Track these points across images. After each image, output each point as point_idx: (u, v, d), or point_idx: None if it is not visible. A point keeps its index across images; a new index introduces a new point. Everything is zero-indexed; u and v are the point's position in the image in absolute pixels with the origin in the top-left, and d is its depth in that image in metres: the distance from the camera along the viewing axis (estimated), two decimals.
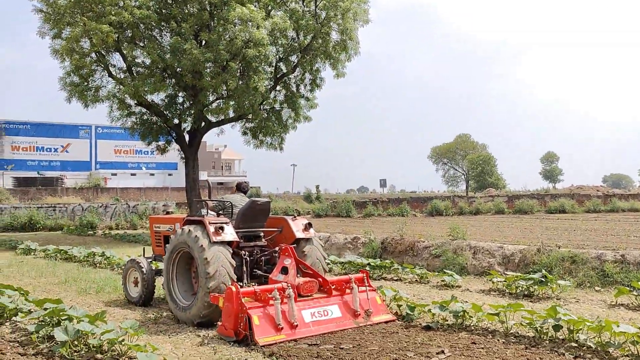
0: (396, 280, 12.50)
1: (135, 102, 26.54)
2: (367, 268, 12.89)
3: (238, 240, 8.26)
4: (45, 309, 7.92)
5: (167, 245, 9.61)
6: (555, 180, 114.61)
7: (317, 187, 57.77)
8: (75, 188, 60.61)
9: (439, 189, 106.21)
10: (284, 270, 8.05)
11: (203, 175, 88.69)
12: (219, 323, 7.51)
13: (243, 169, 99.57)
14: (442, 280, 11.65)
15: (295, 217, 9.38)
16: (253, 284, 8.40)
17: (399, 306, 8.60)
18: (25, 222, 33.57)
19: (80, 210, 35.99)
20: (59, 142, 76.30)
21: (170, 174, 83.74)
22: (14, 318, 8.50)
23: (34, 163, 74.11)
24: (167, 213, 11.98)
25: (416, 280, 12.26)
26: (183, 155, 29.31)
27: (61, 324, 7.27)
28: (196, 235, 7.85)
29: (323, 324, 7.46)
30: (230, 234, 8.05)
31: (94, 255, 16.08)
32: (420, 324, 7.98)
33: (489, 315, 7.52)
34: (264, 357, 6.49)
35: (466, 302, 8.53)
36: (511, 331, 7.41)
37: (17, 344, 7.21)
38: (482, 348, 6.65)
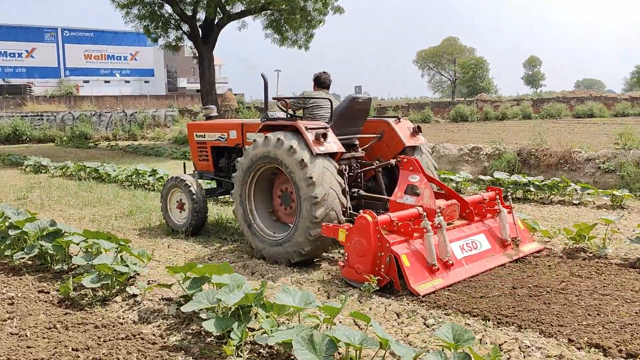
0: (576, 204, 9.40)
1: None
2: (531, 188, 9.79)
3: (343, 150, 6.31)
4: (194, 279, 4.66)
5: (221, 159, 8.21)
6: (537, 86, 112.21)
7: (304, 93, 53.91)
8: (46, 96, 55.33)
9: (414, 96, 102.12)
10: (410, 190, 6.15)
11: (182, 82, 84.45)
12: (341, 264, 5.55)
13: (224, 76, 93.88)
14: None
15: (398, 119, 7.33)
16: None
17: None
18: (9, 133, 29.46)
19: (71, 119, 31.76)
20: (23, 47, 70.49)
21: (146, 81, 79.37)
22: (127, 289, 5.19)
23: None
24: (209, 118, 8.88)
25: (606, 206, 9.18)
26: (197, 54, 25.15)
27: (246, 314, 4.01)
28: (291, 146, 5.92)
29: (476, 261, 5.74)
30: (334, 142, 6.16)
31: (139, 174, 12.54)
32: None
33: None
34: None
35: None
36: None
37: (183, 353, 3.93)
38: None
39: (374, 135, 7.23)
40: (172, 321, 4.57)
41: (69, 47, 73.70)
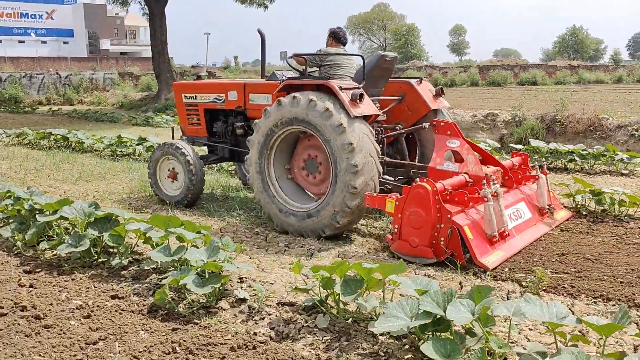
0: (626, 174, 8.89)
1: None
2: (576, 158, 9.18)
3: (379, 113, 5.92)
4: (346, 281, 3.64)
5: (216, 123, 7.44)
6: (462, 54, 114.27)
7: (236, 57, 53.23)
8: None
9: None
10: (451, 156, 5.84)
11: (105, 44, 79.60)
12: (390, 237, 5.15)
13: (150, 38, 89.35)
14: None
15: (420, 80, 6.77)
16: None
17: None
18: None
19: None
20: None
21: (65, 42, 74.49)
22: (236, 291, 4.06)
23: None
24: (198, 78, 8.04)
25: None
26: (147, 12, 23.13)
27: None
28: (327, 108, 5.33)
29: (524, 230, 5.44)
30: (369, 104, 5.62)
31: (122, 143, 11.02)
32: None
33: None
34: None
35: None
36: None
37: None
38: None
39: (395, 98, 6.69)
40: (326, 337, 3.52)
41: None
